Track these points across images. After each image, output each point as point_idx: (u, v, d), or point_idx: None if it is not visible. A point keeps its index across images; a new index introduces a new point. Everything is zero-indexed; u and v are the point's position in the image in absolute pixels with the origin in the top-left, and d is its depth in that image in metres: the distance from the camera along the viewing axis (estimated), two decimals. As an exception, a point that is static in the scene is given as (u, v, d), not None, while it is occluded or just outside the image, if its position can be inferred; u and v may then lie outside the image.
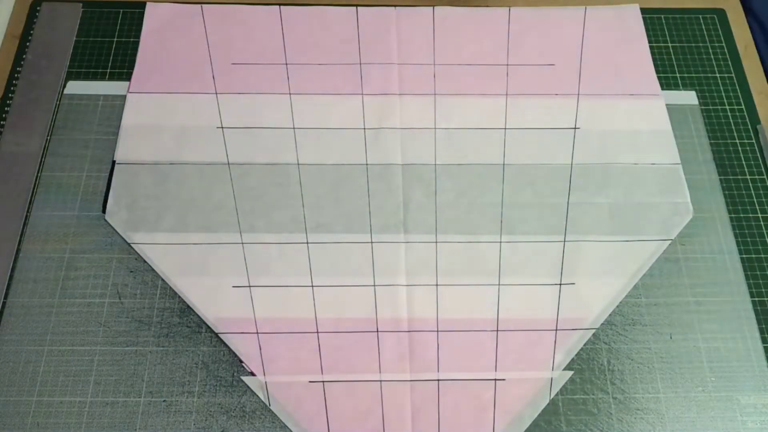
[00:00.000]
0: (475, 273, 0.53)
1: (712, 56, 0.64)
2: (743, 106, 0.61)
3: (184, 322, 0.51)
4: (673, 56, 0.64)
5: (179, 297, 0.51)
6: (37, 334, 0.50)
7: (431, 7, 0.65)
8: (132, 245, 0.53)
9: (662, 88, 0.62)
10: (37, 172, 0.56)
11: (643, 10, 0.66)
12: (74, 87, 0.60)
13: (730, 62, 0.64)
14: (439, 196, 0.56)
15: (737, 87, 0.62)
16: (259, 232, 0.54)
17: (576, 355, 0.50)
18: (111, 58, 0.62)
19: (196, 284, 0.52)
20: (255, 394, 0.48)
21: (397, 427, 0.47)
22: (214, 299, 0.51)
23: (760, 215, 0.56)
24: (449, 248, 0.54)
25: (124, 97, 0.59)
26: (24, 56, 0.61)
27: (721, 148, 0.59)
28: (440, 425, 0.48)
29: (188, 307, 0.51)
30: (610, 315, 0.52)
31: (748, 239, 0.55)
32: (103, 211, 0.54)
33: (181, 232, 0.53)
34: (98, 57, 0.62)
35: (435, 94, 0.60)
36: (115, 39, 0.63)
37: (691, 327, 0.51)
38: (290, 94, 0.59)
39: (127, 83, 0.60)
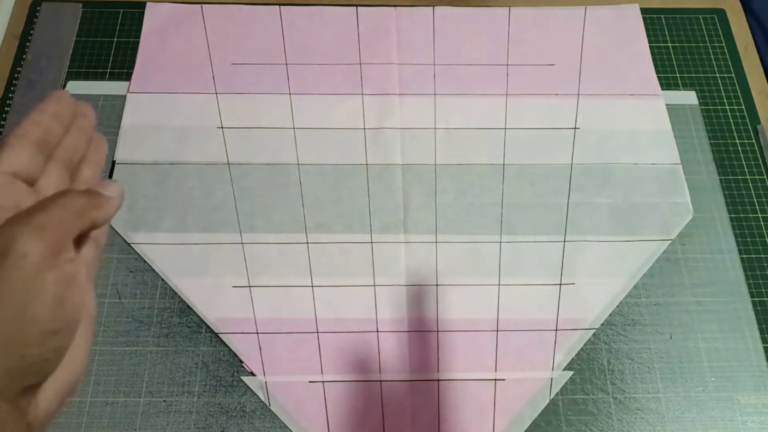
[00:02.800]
0: (475, 273, 0.53)
1: (712, 56, 0.64)
2: (743, 106, 0.61)
3: (184, 322, 0.51)
4: (673, 56, 0.64)
5: (179, 297, 0.51)
6: (37, 334, 0.50)
7: (431, 7, 0.65)
8: (132, 245, 0.53)
9: (662, 88, 0.62)
10: (37, 172, 0.56)
11: (643, 10, 0.66)
12: (74, 87, 0.60)
13: (730, 62, 0.64)
14: (439, 196, 0.56)
15: (737, 87, 0.62)
16: (259, 232, 0.54)
17: (576, 355, 0.50)
18: (111, 58, 0.62)
19: (196, 284, 0.52)
20: (255, 394, 0.48)
21: (397, 427, 0.47)
22: (214, 299, 0.51)
23: (760, 215, 0.56)
24: (449, 248, 0.54)
25: (124, 97, 0.59)
26: (24, 56, 0.61)
27: (721, 148, 0.59)
28: (440, 425, 0.48)
29: (188, 307, 0.51)
30: (610, 315, 0.52)
31: (748, 239, 0.55)
32: (103, 211, 0.54)
33: (181, 232, 0.53)
34: (98, 57, 0.62)
35: (435, 94, 0.60)
36: (115, 39, 0.63)
37: (691, 327, 0.51)
38: (290, 94, 0.59)
39: (127, 83, 0.60)
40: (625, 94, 0.61)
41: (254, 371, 0.49)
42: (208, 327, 0.50)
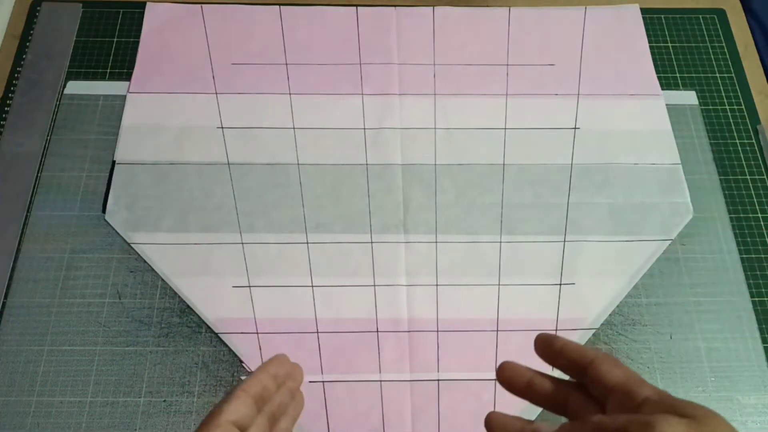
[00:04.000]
0: (475, 273, 0.53)
1: (712, 56, 0.64)
2: (743, 106, 0.61)
3: (184, 322, 0.51)
4: (673, 56, 0.64)
5: (179, 297, 0.51)
6: (37, 334, 0.50)
7: (431, 7, 0.65)
8: (132, 245, 0.53)
9: (662, 88, 0.62)
10: (37, 172, 0.56)
11: (643, 10, 0.66)
12: (74, 87, 0.60)
13: (730, 62, 0.64)
14: (439, 196, 0.56)
15: (737, 87, 0.62)
16: (259, 232, 0.54)
17: (576, 355, 0.50)
18: (111, 58, 0.62)
19: (196, 284, 0.52)
20: (255, 394, 0.48)
21: (397, 427, 0.47)
22: (214, 299, 0.51)
23: (760, 215, 0.56)
24: (449, 248, 0.54)
25: (124, 97, 0.59)
26: (24, 56, 0.61)
27: (721, 148, 0.59)
28: (440, 425, 0.47)
29: (188, 307, 0.51)
30: (610, 315, 0.52)
31: (748, 239, 0.55)
32: (103, 211, 0.54)
33: (181, 232, 0.53)
34: (98, 57, 0.62)
35: (435, 94, 0.60)
36: (115, 39, 0.63)
37: (691, 327, 0.51)
38: (290, 94, 0.59)
39: (127, 83, 0.60)
40: (625, 94, 0.61)
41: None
42: (208, 327, 0.50)
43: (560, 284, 0.52)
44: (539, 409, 0.48)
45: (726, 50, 0.64)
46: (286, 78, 0.60)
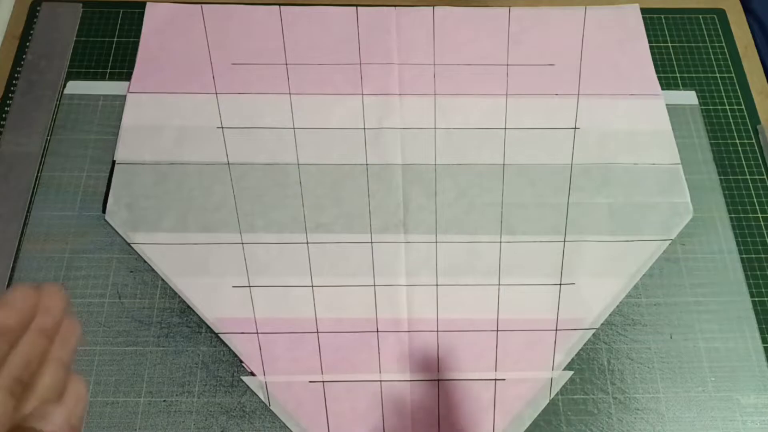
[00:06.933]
0: (475, 273, 0.53)
1: (712, 56, 0.64)
2: (743, 106, 0.61)
3: (184, 322, 0.51)
4: (673, 56, 0.64)
5: (179, 297, 0.51)
6: (37, 334, 0.50)
7: (431, 7, 0.65)
8: (132, 245, 0.53)
9: (662, 88, 0.62)
10: (37, 172, 0.56)
11: (643, 10, 0.66)
12: (74, 87, 0.60)
13: (730, 62, 0.64)
14: (439, 196, 0.56)
15: (737, 87, 0.62)
16: (259, 232, 0.54)
17: (576, 355, 0.50)
18: (111, 58, 0.62)
19: (196, 284, 0.52)
20: (255, 394, 0.48)
21: (397, 427, 0.47)
22: (214, 299, 0.51)
23: (760, 215, 0.56)
24: (449, 248, 0.54)
25: (124, 97, 0.59)
26: (24, 56, 0.61)
27: (721, 148, 0.59)
28: (440, 425, 0.48)
29: (188, 307, 0.51)
30: (610, 315, 0.52)
31: (748, 239, 0.55)
32: (103, 211, 0.54)
33: (181, 232, 0.53)
34: (98, 57, 0.62)
35: (435, 94, 0.60)
36: (115, 39, 0.63)
37: (691, 327, 0.51)
38: (290, 94, 0.59)
39: (127, 83, 0.60)
40: (625, 94, 0.61)
41: (254, 371, 0.49)
42: (208, 327, 0.50)
43: (560, 284, 0.52)
44: (539, 409, 0.48)
45: (726, 50, 0.64)
46: (286, 78, 0.60)
